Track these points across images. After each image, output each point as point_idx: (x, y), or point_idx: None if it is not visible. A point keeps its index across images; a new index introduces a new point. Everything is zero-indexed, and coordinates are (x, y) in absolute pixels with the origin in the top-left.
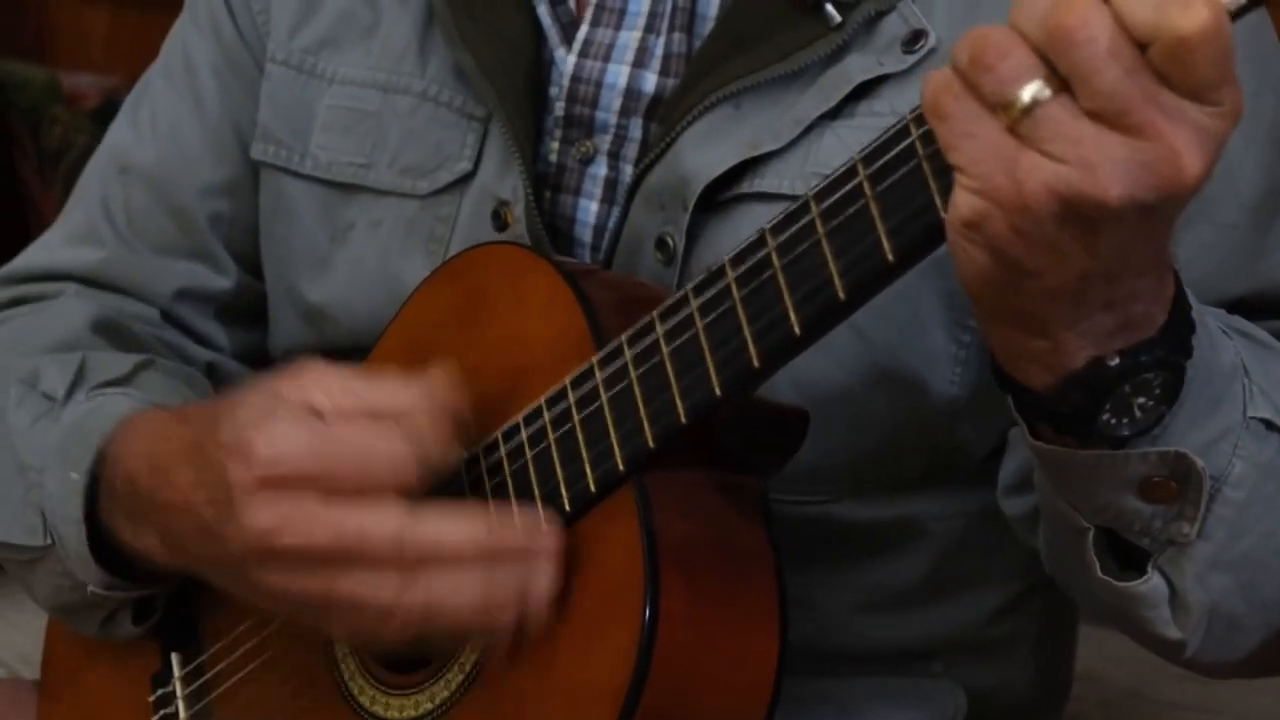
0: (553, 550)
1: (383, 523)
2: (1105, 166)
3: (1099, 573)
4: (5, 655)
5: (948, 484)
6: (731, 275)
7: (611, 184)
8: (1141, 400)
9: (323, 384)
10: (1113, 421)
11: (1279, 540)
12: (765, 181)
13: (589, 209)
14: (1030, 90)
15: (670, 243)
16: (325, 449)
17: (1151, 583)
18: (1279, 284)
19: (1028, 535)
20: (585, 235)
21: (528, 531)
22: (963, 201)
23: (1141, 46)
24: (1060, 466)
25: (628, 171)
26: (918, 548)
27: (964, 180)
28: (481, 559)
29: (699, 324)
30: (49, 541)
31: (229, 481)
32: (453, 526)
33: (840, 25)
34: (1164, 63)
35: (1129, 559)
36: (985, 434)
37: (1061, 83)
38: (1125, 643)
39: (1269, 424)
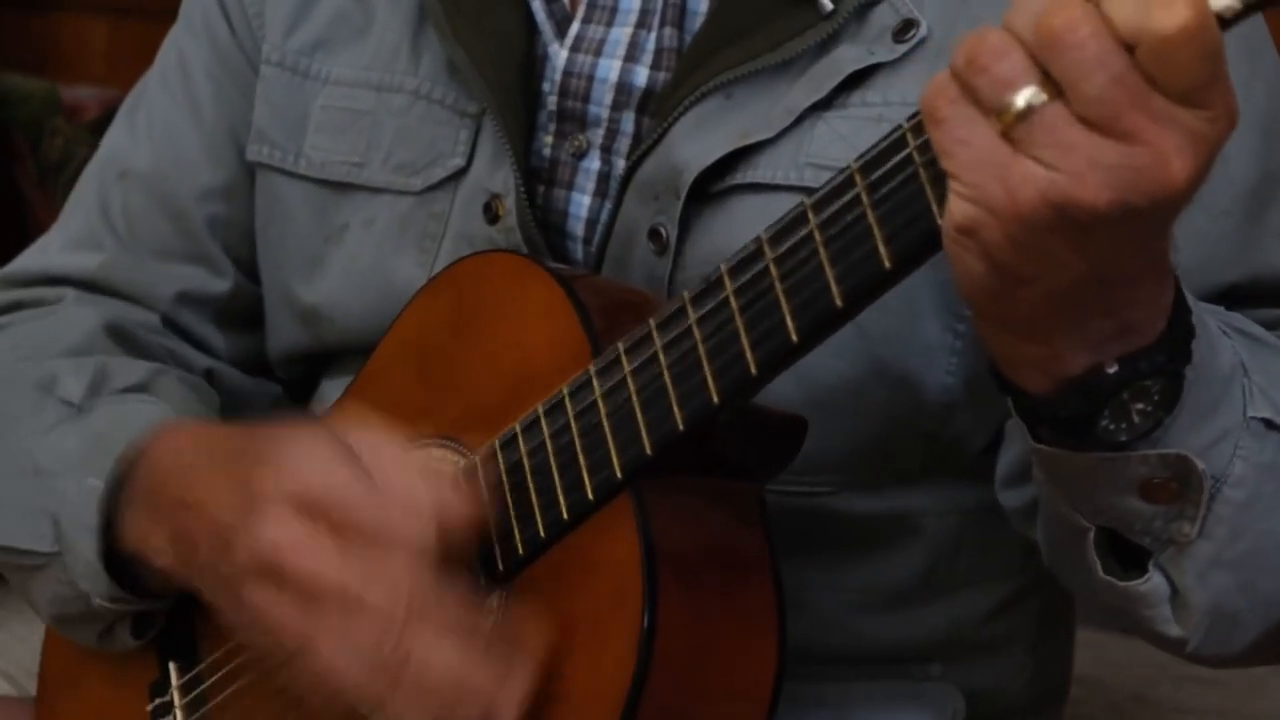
0: (522, 694)
1: (390, 591)
2: (1097, 173)
3: (1101, 573)
4: (8, 667)
5: (944, 478)
6: (730, 286)
7: (604, 178)
8: (1140, 406)
9: (372, 440)
10: (1111, 427)
11: (1279, 538)
12: (758, 172)
13: (581, 203)
14: (1025, 95)
15: (663, 233)
16: (356, 489)
17: (1152, 582)
18: (1273, 270)
19: (1025, 527)
20: (578, 229)
21: (507, 673)
22: (957, 209)
23: (1130, 49)
24: (1061, 469)
25: (620, 165)
26: (913, 545)
27: (958, 187)
28: (457, 686)
29: (697, 334)
30: (56, 548)
31: (255, 489)
32: (446, 649)
33: (831, 14)
34: (1150, 64)
35: (1129, 558)
36: (982, 425)
37: (1056, 87)
38: (1128, 648)
39: (1269, 423)
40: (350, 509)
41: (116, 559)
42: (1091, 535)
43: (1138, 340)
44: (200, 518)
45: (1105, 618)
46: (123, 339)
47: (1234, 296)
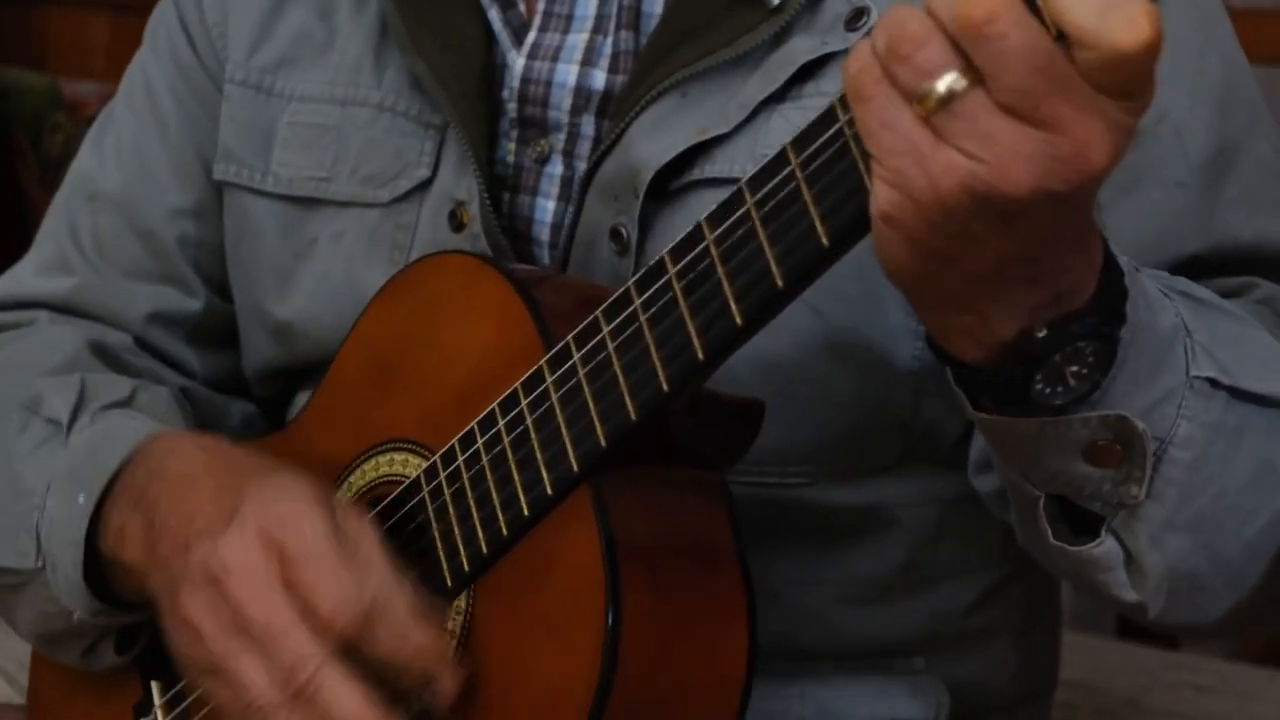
0: None
1: (304, 646)
2: (1018, 162)
3: (1051, 539)
4: (5, 663)
5: (921, 469)
6: (672, 269)
7: (567, 182)
8: (1074, 369)
9: (359, 523)
10: (1046, 390)
11: (1233, 498)
12: (715, 166)
13: (546, 208)
14: (945, 81)
15: (624, 233)
16: (321, 548)
17: (1104, 546)
18: (1233, 240)
19: (1001, 512)
20: (543, 234)
21: None
22: (880, 194)
23: (1059, 36)
24: (1005, 436)
25: (582, 169)
26: (893, 536)
27: (881, 171)
28: None
29: (642, 319)
30: (39, 565)
31: (238, 509)
32: (349, 701)
33: (780, 7)
34: (1094, 69)
35: (1084, 524)
36: (953, 412)
37: (977, 74)
38: (1122, 653)
39: (1214, 382)
40: (308, 564)
41: (96, 572)
42: (1041, 503)
43: (1068, 305)
44: (176, 514)
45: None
46: (104, 356)
47: (1195, 267)
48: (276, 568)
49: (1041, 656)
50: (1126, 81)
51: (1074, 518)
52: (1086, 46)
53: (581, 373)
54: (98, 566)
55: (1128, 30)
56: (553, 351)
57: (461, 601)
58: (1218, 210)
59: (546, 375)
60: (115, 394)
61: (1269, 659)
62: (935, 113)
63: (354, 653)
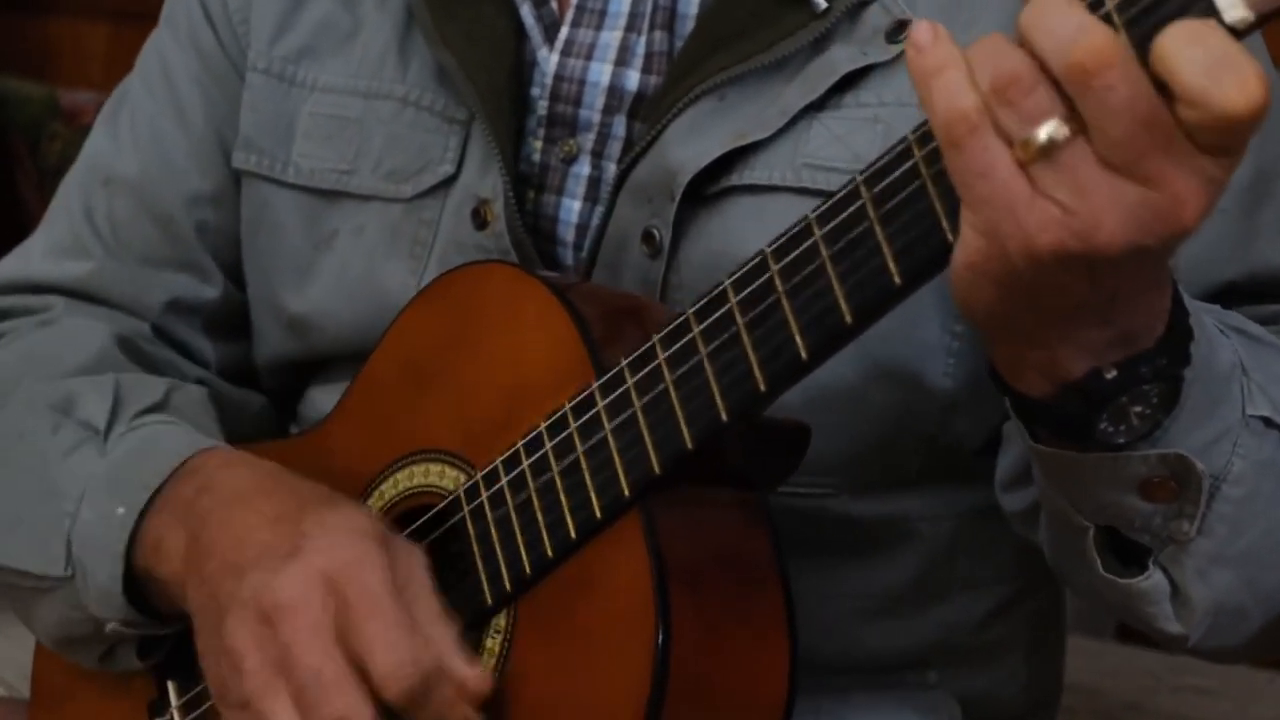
0: None
1: (350, 703)
2: (1113, 216)
3: (1101, 570)
4: (5, 673)
5: (941, 481)
6: (734, 300)
7: (595, 182)
8: (1139, 409)
9: (415, 565)
10: (1110, 430)
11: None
12: (754, 173)
13: (571, 208)
14: (1048, 129)
15: (657, 236)
16: (384, 604)
17: (1153, 579)
18: (1270, 267)
19: (1027, 530)
20: (568, 234)
21: None
22: (970, 241)
23: (1162, 88)
24: (1060, 469)
25: (611, 170)
26: (910, 549)
27: (972, 219)
28: None
29: (702, 351)
30: (69, 573)
31: (299, 543)
32: None
33: (824, 12)
34: (1199, 126)
35: (1130, 555)
36: (980, 427)
37: (1081, 122)
38: (1123, 656)
39: (1268, 421)
40: (370, 619)
41: (131, 582)
42: (1091, 534)
43: (1137, 346)
44: (227, 535)
45: (1099, 623)
46: (133, 352)
47: (1231, 294)
48: (334, 615)
49: (1049, 669)
50: (1231, 141)
51: (1119, 548)
52: (1194, 106)
53: (637, 401)
54: (130, 576)
55: (1238, 93)
56: (606, 377)
57: (502, 620)
58: (1256, 237)
59: (599, 400)
60: (151, 397)
61: (1270, 662)
62: (1034, 161)
63: (395, 716)
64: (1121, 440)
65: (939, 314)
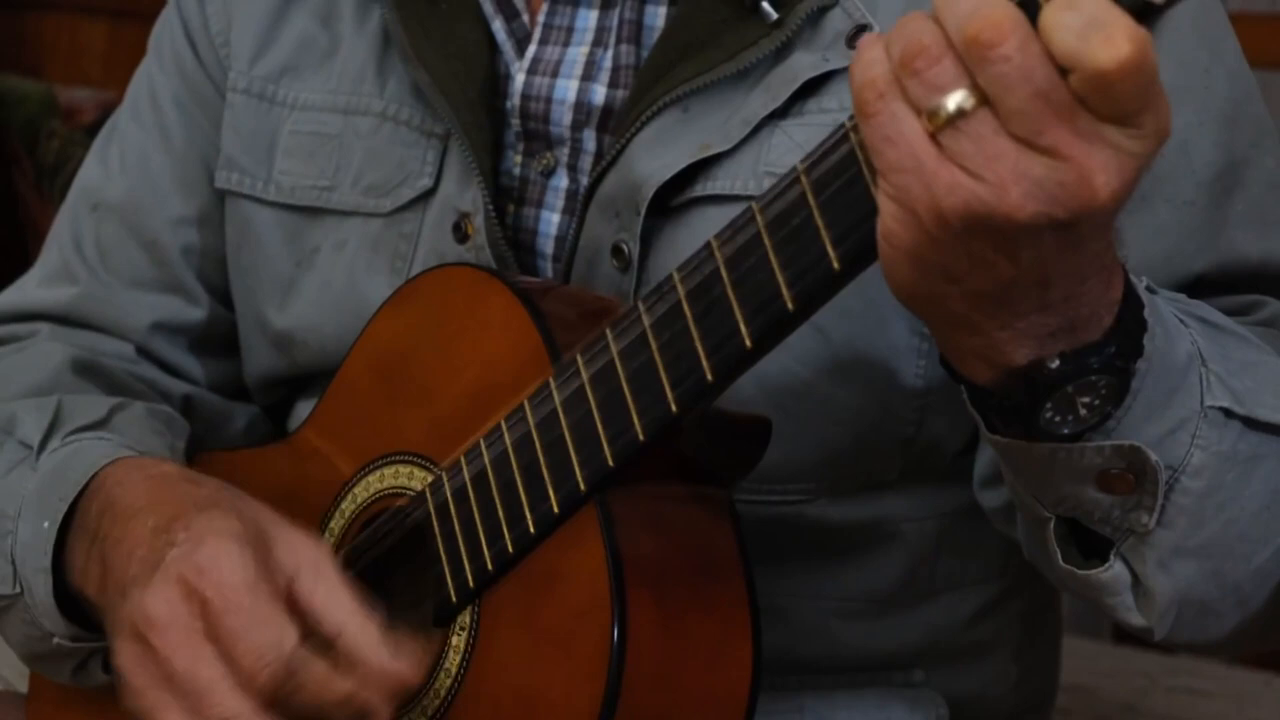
0: None
1: (228, 701)
2: (1020, 185)
3: (1060, 561)
4: (3, 668)
5: (921, 483)
6: (682, 290)
7: (572, 195)
8: (1086, 400)
9: (307, 555)
10: (1055, 419)
11: (1243, 526)
12: (717, 183)
13: (550, 220)
14: (955, 99)
15: (625, 249)
16: (239, 597)
17: (1113, 570)
18: (1240, 258)
19: (1006, 527)
20: (547, 247)
21: None
22: (884, 209)
23: (1062, 69)
24: (1017, 459)
25: (584, 183)
26: (892, 550)
27: (885, 186)
28: None
29: (652, 342)
30: (17, 590)
31: (164, 557)
32: None
33: (780, 22)
34: (1083, 90)
35: (1094, 546)
36: (956, 427)
37: (985, 94)
38: (1119, 657)
39: (1228, 412)
40: (228, 614)
41: (70, 598)
42: (1051, 525)
43: (1083, 336)
44: (119, 554)
45: (1094, 624)
46: (89, 373)
47: (1202, 286)
48: (199, 619)
49: (1042, 669)
50: (1116, 104)
51: (1084, 539)
52: (1071, 69)
53: (590, 392)
54: (69, 593)
55: (1105, 49)
56: (559, 367)
57: (467, 617)
58: (1225, 228)
59: (555, 392)
60: (92, 415)
61: (1266, 663)
62: (942, 130)
63: (286, 701)
64: (1067, 430)
65: (906, 317)
